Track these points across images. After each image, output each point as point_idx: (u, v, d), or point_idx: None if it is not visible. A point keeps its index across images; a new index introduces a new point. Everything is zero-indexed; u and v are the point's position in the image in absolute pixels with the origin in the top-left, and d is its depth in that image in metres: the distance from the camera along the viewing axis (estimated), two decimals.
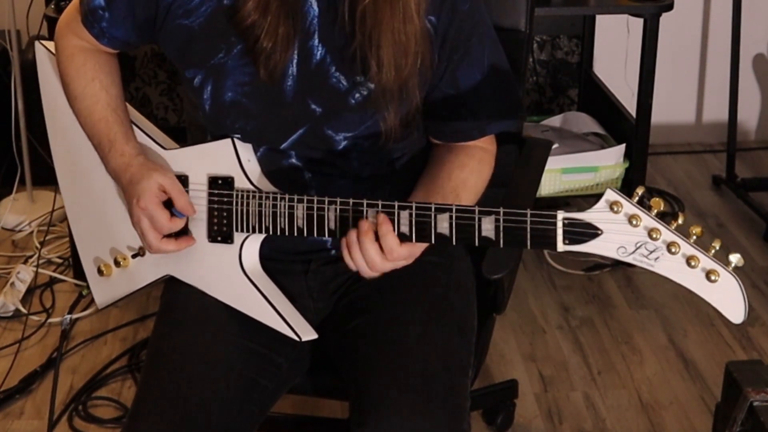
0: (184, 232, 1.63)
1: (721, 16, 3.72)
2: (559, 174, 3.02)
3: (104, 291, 1.80)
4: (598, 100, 3.47)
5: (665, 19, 2.90)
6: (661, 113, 3.58)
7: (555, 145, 2.84)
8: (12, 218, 3.24)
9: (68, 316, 1.85)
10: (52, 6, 2.78)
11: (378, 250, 1.46)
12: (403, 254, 1.48)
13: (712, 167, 3.72)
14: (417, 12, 1.53)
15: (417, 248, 1.50)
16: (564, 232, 1.38)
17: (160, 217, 1.59)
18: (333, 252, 1.70)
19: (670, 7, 2.89)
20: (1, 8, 3.14)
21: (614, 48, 3.67)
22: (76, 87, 1.68)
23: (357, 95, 1.58)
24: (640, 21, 2.92)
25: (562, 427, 2.43)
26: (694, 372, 2.62)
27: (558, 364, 2.65)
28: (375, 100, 1.57)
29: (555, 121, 3.40)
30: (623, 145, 3.05)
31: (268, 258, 1.64)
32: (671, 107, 3.84)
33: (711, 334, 2.77)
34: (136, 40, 1.67)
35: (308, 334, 1.62)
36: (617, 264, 3.08)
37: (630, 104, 3.17)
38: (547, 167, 2.07)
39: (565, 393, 2.54)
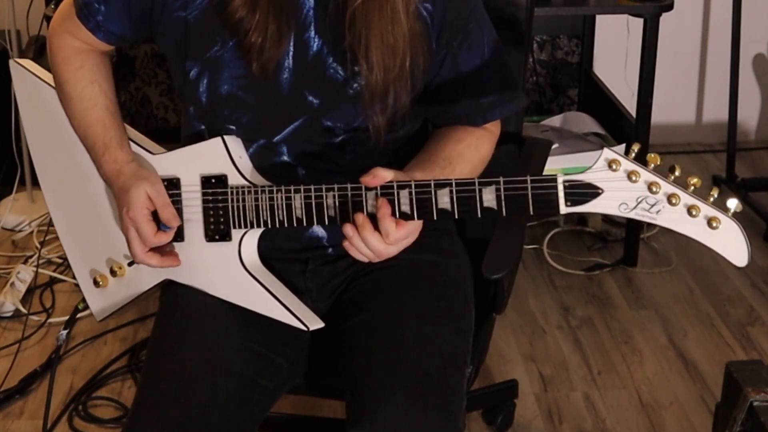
0: (179, 236, 1.63)
1: (721, 16, 3.72)
2: (559, 174, 3.02)
3: (102, 302, 1.79)
4: (598, 100, 3.47)
5: (665, 19, 2.90)
6: (661, 113, 3.58)
7: (555, 145, 2.84)
8: (12, 218, 3.24)
9: (64, 332, 1.84)
10: (52, 6, 2.78)
11: (380, 239, 1.47)
12: (401, 236, 1.47)
13: (712, 167, 3.72)
14: (405, 13, 1.53)
15: (413, 227, 1.49)
16: (565, 194, 1.40)
17: (146, 231, 1.59)
18: (330, 251, 1.70)
19: (670, 7, 2.89)
20: (1, 8, 3.14)
21: (614, 48, 3.67)
22: (73, 89, 1.67)
23: (355, 85, 1.58)
24: (640, 21, 2.91)
25: (562, 427, 2.43)
26: (694, 372, 2.61)
27: (558, 364, 2.65)
28: (363, 100, 1.57)
29: (555, 121, 3.40)
30: (623, 145, 3.05)
31: (265, 257, 1.64)
32: (671, 107, 3.84)
33: (711, 334, 2.77)
34: (131, 35, 1.67)
35: (315, 323, 1.62)
36: (617, 264, 3.09)
37: (630, 104, 3.17)
38: (547, 167, 2.07)
39: (565, 393, 2.54)
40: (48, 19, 2.72)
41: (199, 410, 1.53)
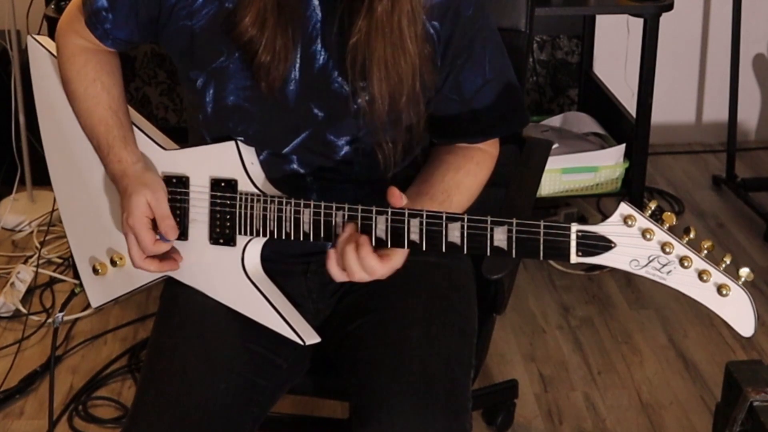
0: (183, 234, 1.63)
1: (721, 16, 3.72)
2: (559, 174, 3.02)
3: (99, 290, 1.79)
4: (598, 100, 3.47)
5: (665, 19, 2.90)
6: (661, 113, 3.58)
7: (555, 145, 2.85)
8: (12, 218, 3.24)
9: (60, 315, 1.84)
10: (52, 6, 2.78)
11: (377, 258, 1.47)
12: (386, 270, 1.50)
13: (712, 167, 3.72)
14: (414, 39, 1.51)
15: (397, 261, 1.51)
16: (577, 244, 1.37)
17: (145, 239, 1.59)
18: None
19: (670, 7, 2.89)
20: (1, 8, 3.14)
21: (614, 48, 3.67)
22: (77, 87, 1.67)
23: (359, 100, 1.57)
24: (640, 21, 2.92)
25: (562, 427, 2.43)
26: (694, 372, 2.62)
27: (558, 364, 2.65)
28: (372, 129, 1.57)
29: (555, 121, 3.40)
30: (623, 145, 3.05)
31: (267, 260, 1.64)
32: (671, 107, 3.84)
33: (711, 334, 2.77)
34: (139, 40, 1.67)
35: (312, 337, 1.62)
36: None
37: (630, 104, 3.17)
38: (547, 167, 2.07)
39: (565, 393, 2.54)
40: (48, 19, 2.73)
41: (198, 410, 1.53)
